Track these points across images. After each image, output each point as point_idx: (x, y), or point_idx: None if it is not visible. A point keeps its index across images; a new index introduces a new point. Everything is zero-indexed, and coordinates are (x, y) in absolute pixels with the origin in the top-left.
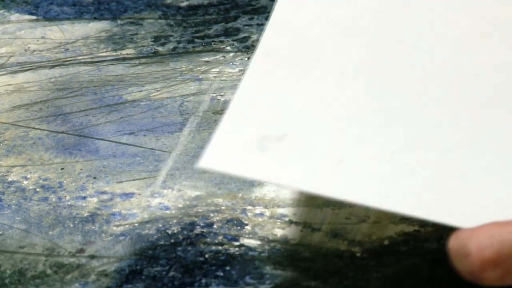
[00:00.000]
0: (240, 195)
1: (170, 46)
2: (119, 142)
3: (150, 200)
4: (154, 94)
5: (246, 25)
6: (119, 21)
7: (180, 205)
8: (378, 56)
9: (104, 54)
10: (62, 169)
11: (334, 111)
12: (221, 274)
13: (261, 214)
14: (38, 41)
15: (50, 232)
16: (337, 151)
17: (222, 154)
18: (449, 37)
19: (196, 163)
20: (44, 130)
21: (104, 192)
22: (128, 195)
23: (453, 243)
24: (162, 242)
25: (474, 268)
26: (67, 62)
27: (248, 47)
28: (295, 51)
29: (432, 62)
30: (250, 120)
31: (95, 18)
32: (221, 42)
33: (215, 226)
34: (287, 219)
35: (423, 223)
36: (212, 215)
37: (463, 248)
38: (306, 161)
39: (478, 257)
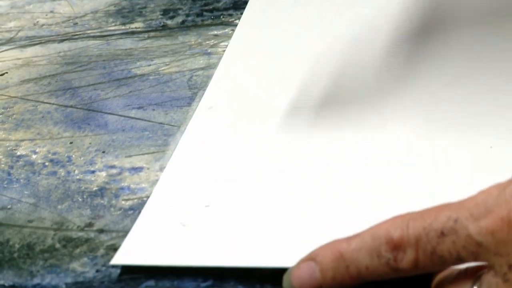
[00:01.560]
0: None
1: (179, 19)
2: (128, 116)
3: (159, 174)
4: (163, 68)
5: None
6: None
7: None
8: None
9: (113, 28)
10: (71, 143)
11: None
12: None
13: None
14: (47, 15)
15: (59, 206)
16: (256, 220)
17: (141, 245)
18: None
19: (111, 261)
20: (53, 104)
21: (113, 166)
22: (137, 169)
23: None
24: None
25: None
26: (76, 36)
27: None
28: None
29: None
30: (174, 199)
31: None
32: (230, 15)
33: None
34: None
35: None
36: None
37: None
38: (225, 234)
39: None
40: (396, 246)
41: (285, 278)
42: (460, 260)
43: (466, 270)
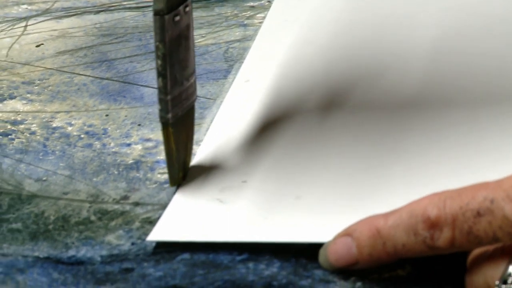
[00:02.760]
0: None
1: None
2: None
3: (195, 148)
4: (199, 40)
5: None
6: None
7: None
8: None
9: None
10: (106, 115)
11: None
12: None
13: None
14: None
15: (94, 179)
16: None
17: (177, 221)
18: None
19: (147, 237)
20: (89, 76)
21: (148, 140)
22: None
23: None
24: None
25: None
26: (112, 8)
27: None
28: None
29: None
30: (211, 174)
31: None
32: None
33: None
34: None
35: None
36: None
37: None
38: (262, 210)
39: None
40: (433, 225)
41: (322, 252)
42: (496, 240)
43: (503, 248)
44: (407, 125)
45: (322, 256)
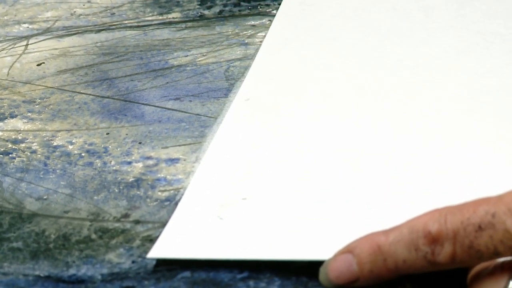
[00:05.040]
0: None
1: (216, 9)
2: (165, 108)
3: (196, 166)
4: (200, 59)
5: None
6: None
7: None
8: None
9: (150, 18)
10: (107, 134)
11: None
12: None
13: None
14: (84, 5)
15: (95, 197)
16: (294, 211)
17: (177, 239)
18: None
19: (147, 254)
20: (90, 94)
21: (149, 157)
22: (173, 161)
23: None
24: None
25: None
26: (113, 27)
27: None
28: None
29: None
30: (211, 191)
31: None
32: (267, 5)
33: None
34: None
35: None
36: None
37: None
38: (262, 227)
39: None
40: (434, 240)
41: (322, 270)
42: (498, 255)
43: (503, 264)
44: (405, 140)
45: (322, 274)
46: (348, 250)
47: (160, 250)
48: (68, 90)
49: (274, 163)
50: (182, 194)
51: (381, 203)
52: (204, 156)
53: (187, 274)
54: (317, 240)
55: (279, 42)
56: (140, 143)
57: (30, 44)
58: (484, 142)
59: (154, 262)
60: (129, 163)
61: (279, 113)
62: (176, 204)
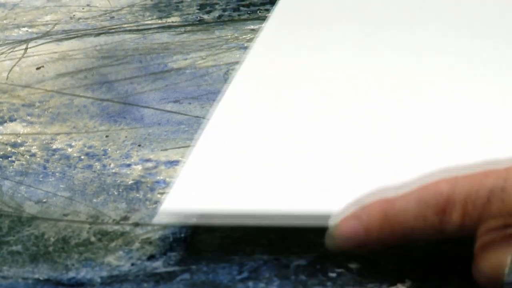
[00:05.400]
0: None
1: (216, 14)
2: (164, 110)
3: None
4: (199, 62)
5: None
6: None
7: None
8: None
9: (149, 22)
10: (106, 136)
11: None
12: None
13: None
14: (83, 8)
15: (94, 200)
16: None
17: (187, 193)
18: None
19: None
20: (89, 97)
21: (148, 160)
22: (172, 163)
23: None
24: None
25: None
26: (113, 30)
27: None
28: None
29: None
30: (218, 148)
31: None
32: (267, 10)
33: None
34: None
35: None
36: None
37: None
38: (272, 181)
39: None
40: (443, 209)
41: (329, 235)
42: (506, 224)
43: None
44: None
45: (329, 238)
46: (355, 215)
47: (172, 204)
48: (68, 94)
49: (283, 122)
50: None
51: (388, 158)
52: (212, 116)
53: (186, 276)
54: (325, 194)
55: (275, 35)
56: (139, 145)
57: (30, 47)
58: (486, 136)
59: (153, 265)
60: (129, 165)
61: (278, 83)
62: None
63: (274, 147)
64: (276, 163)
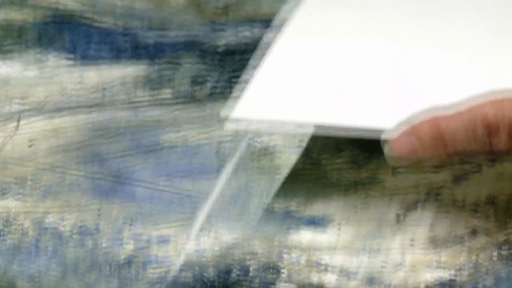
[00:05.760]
0: (276, 239)
1: (208, 89)
2: (156, 186)
3: (187, 245)
4: (191, 138)
5: None
6: (156, 64)
7: (217, 250)
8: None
9: (141, 97)
10: (99, 213)
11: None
12: None
13: (297, 260)
14: (75, 84)
15: (87, 277)
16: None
17: (254, 101)
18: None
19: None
20: (81, 173)
21: (140, 237)
22: (164, 240)
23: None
24: None
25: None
26: (105, 105)
27: None
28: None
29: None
30: (284, 63)
31: (132, 61)
32: None
33: (251, 271)
34: (323, 265)
35: (459, 270)
36: (248, 260)
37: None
38: (337, 96)
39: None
40: (492, 130)
41: (387, 146)
42: None
43: None
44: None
45: (387, 149)
46: (411, 131)
47: (239, 111)
48: (60, 169)
49: (341, 52)
50: (175, 271)
51: (438, 75)
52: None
53: None
54: (381, 111)
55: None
56: (131, 222)
57: (21, 123)
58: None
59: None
60: (121, 242)
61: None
62: (168, 285)
63: (327, 73)
64: (330, 84)
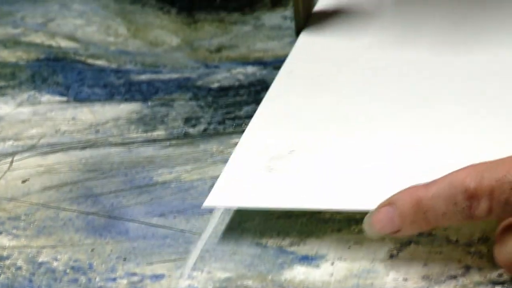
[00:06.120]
0: (270, 277)
1: (201, 127)
2: (149, 224)
3: (180, 282)
4: (184, 175)
5: None
6: (149, 103)
7: (210, 287)
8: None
9: (134, 135)
10: (92, 250)
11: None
12: None
13: None
14: (69, 122)
15: None
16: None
17: (229, 189)
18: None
19: (203, 203)
20: (75, 211)
21: (134, 274)
22: (158, 277)
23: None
24: None
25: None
26: (98, 144)
27: None
28: (314, 73)
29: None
30: (260, 146)
31: (125, 100)
32: None
33: None
34: None
35: None
36: None
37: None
38: (309, 178)
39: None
40: (472, 196)
41: (366, 220)
42: None
43: None
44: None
45: (366, 223)
46: (390, 202)
47: (214, 199)
48: (53, 207)
49: (319, 119)
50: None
51: (420, 157)
52: (255, 115)
53: None
54: (360, 191)
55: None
56: (124, 259)
57: (15, 161)
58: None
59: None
60: (114, 279)
61: (321, 82)
62: None
63: (305, 150)
64: (308, 164)
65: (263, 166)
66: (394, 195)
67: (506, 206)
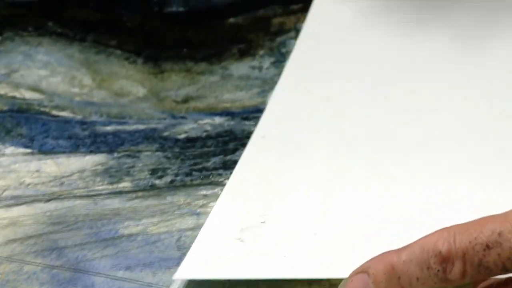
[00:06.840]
0: None
1: (168, 179)
2: (116, 277)
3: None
4: (151, 228)
5: None
6: (115, 154)
7: None
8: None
9: (100, 187)
10: None
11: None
12: None
13: None
14: (33, 174)
15: None
16: (311, 230)
17: (200, 260)
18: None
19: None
20: (39, 264)
21: None
22: None
23: None
24: None
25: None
26: (63, 196)
27: None
28: (289, 135)
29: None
30: (231, 216)
31: (91, 151)
32: (220, 175)
33: None
34: None
35: None
36: None
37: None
38: (280, 248)
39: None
40: (445, 259)
41: None
42: (506, 271)
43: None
44: (415, 165)
45: None
46: (363, 269)
47: (185, 271)
48: (17, 260)
49: (290, 187)
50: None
51: (393, 222)
52: (225, 187)
53: None
54: (333, 259)
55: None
56: None
57: None
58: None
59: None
60: None
61: (297, 148)
62: None
63: (276, 220)
64: (279, 233)
65: (233, 237)
66: (366, 262)
67: (479, 267)
